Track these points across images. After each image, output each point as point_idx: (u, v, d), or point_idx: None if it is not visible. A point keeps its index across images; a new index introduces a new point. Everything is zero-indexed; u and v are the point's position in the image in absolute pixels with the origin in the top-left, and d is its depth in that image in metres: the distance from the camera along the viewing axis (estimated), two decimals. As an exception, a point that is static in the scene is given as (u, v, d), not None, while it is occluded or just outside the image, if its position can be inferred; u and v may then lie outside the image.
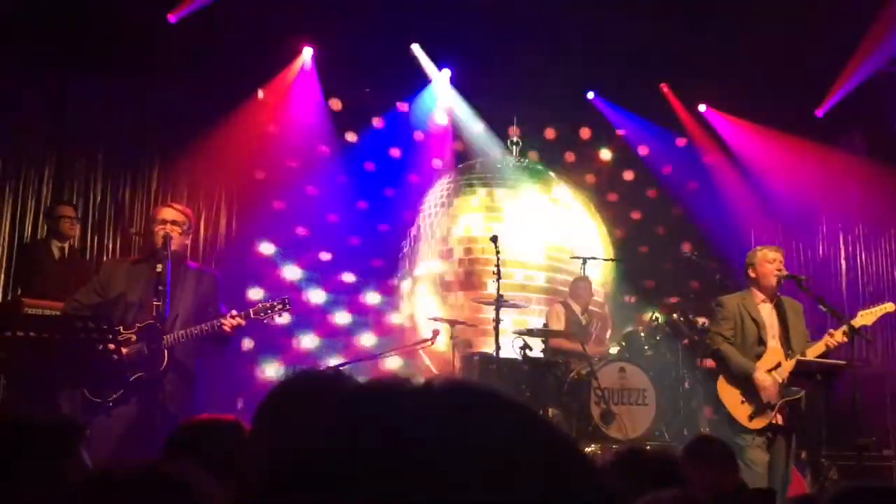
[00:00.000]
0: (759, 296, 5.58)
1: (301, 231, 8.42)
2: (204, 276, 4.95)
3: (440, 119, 8.97)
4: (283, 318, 7.32)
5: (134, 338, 4.59)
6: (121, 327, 4.59)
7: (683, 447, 3.72)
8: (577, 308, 7.65)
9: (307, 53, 8.34)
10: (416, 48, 8.55)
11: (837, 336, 5.25)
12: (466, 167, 9.32)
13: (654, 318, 7.78)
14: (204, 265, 5.23)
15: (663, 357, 7.64)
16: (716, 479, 3.33)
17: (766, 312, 5.56)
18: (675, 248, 9.10)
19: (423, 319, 8.65)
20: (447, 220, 9.10)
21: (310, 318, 8.14)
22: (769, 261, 5.57)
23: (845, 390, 5.52)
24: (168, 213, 4.87)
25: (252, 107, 8.07)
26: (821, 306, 5.44)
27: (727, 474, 3.44)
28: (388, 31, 8.14)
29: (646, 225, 9.60)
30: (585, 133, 9.57)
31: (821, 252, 9.35)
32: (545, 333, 7.25)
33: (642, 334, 7.64)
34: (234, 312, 4.67)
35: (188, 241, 5.05)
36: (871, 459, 6.66)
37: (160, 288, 4.50)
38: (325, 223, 8.48)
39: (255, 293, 8.00)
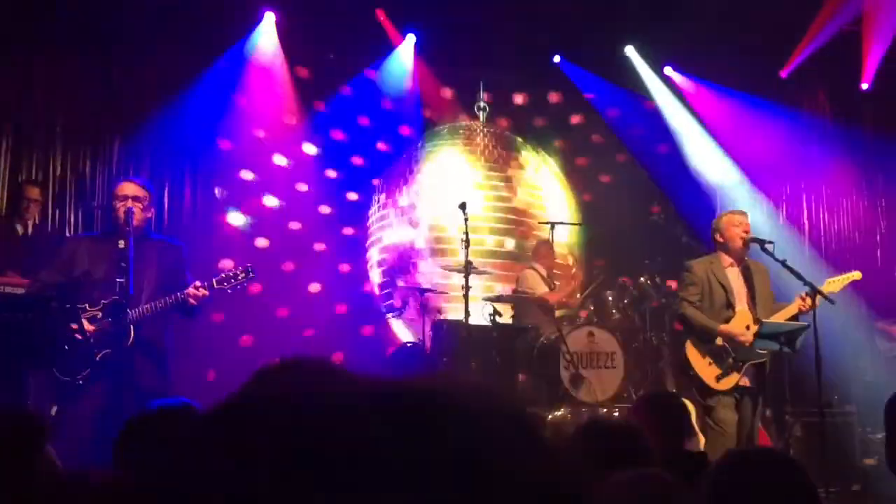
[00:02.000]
0: (727, 260, 5.65)
1: (270, 201, 8.34)
2: (169, 248, 4.95)
3: (407, 85, 8.86)
4: (252, 287, 7.43)
5: (99, 315, 4.57)
6: (86, 304, 4.58)
7: (640, 396, 3.77)
8: (542, 271, 7.68)
9: (269, 19, 8.18)
10: (380, 13, 8.43)
11: (809, 301, 5.35)
12: (433, 134, 9.26)
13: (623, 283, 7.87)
14: (169, 236, 5.17)
15: (631, 320, 7.74)
16: (662, 433, 3.26)
17: (734, 276, 5.63)
18: (643, 211, 9.16)
19: (391, 288, 8.68)
20: (415, 187, 9.07)
21: (282, 287, 8.10)
22: (735, 224, 5.65)
23: (808, 348, 5.62)
24: (129, 188, 4.84)
25: (215, 75, 7.91)
26: (785, 269, 5.52)
27: (674, 435, 3.43)
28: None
29: (614, 189, 9.63)
30: (553, 97, 9.55)
31: (785, 213, 9.47)
32: (513, 299, 7.29)
33: (610, 298, 7.71)
34: (197, 283, 4.69)
35: (151, 215, 5.03)
36: (834, 416, 6.84)
37: (123, 264, 4.46)
38: (295, 193, 8.40)
39: (227, 265, 7.93)
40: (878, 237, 9.37)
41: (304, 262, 8.37)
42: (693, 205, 8.98)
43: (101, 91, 7.65)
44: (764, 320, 5.48)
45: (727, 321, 5.53)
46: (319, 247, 8.54)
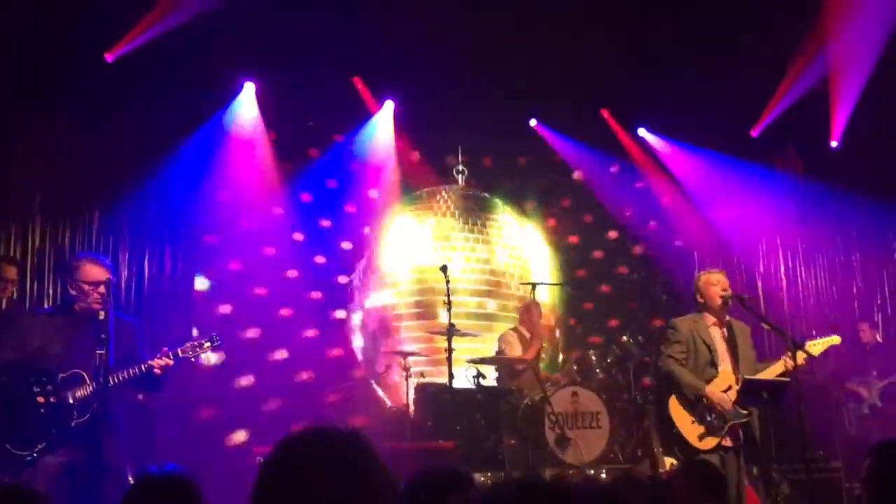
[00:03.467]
0: (710, 319, 5.72)
1: (235, 265, 8.31)
2: (125, 325, 4.84)
3: (381, 150, 8.95)
4: (217, 356, 7.40)
5: (51, 388, 4.50)
6: (43, 378, 4.48)
7: (678, 466, 3.83)
8: (526, 333, 7.69)
9: (249, 89, 8.30)
10: (357, 81, 8.57)
11: (798, 360, 5.35)
12: (413, 197, 9.34)
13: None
14: (124, 313, 5.09)
15: (615, 379, 7.74)
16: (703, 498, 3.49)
17: (717, 336, 5.69)
18: (613, 270, 9.27)
19: (373, 352, 8.65)
20: (396, 251, 9.09)
21: (245, 354, 8.05)
22: (713, 283, 5.71)
23: (792, 404, 5.63)
24: (100, 273, 4.75)
25: (194, 143, 7.97)
26: (763, 325, 5.58)
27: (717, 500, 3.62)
28: (330, 65, 8.17)
29: (583, 248, 9.76)
30: (527, 160, 9.72)
31: (761, 268, 9.58)
32: (499, 361, 7.28)
33: (593, 357, 7.72)
34: (164, 350, 4.68)
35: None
36: (820, 472, 6.82)
37: (103, 336, 4.41)
38: (261, 257, 8.39)
39: (195, 332, 7.91)
40: (855, 290, 9.49)
41: (271, 326, 8.32)
42: (671, 262, 9.07)
43: (79, 162, 7.67)
44: (747, 377, 5.50)
45: (710, 380, 5.55)
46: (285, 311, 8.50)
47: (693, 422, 5.51)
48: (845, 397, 8.24)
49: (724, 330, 5.71)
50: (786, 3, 7.58)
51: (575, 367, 7.79)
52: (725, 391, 5.51)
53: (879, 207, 8.88)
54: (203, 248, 8.11)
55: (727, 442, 5.49)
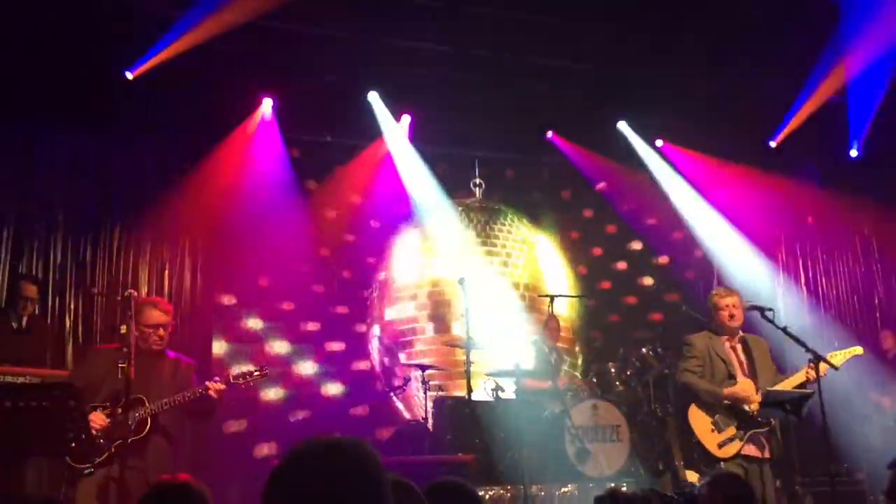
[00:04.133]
0: (724, 337, 5.79)
1: (263, 281, 8.38)
2: (181, 364, 5.30)
3: (401, 164, 9.00)
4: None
5: (119, 410, 4.87)
6: (106, 402, 4.91)
7: (706, 482, 3.83)
8: (546, 346, 7.64)
9: (267, 104, 8.38)
10: (373, 96, 8.63)
11: (813, 371, 5.37)
12: (432, 210, 9.36)
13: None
14: (181, 354, 5.46)
15: (635, 392, 7.70)
16: None
17: (733, 352, 5.77)
18: (636, 282, 9.24)
19: (393, 365, 8.66)
20: (415, 264, 9.12)
21: (275, 368, 8.11)
22: (721, 307, 5.81)
23: (815, 416, 5.60)
24: (159, 317, 5.19)
25: (214, 160, 8.05)
26: (785, 335, 5.53)
27: None
28: (348, 80, 8.24)
29: (606, 260, 9.75)
30: (545, 173, 9.73)
31: (781, 279, 9.53)
32: (516, 374, 7.26)
33: (613, 370, 7.68)
34: (216, 378, 5.08)
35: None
36: (844, 485, 6.75)
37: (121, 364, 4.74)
38: (289, 272, 8.45)
39: (219, 346, 8.00)
40: (877, 300, 9.42)
41: (299, 342, 8.42)
42: (693, 273, 9.05)
43: (101, 177, 7.76)
44: (768, 388, 5.49)
45: None
46: (313, 326, 8.56)
47: (712, 430, 5.57)
48: (869, 409, 8.14)
49: (740, 345, 5.78)
50: (803, 14, 7.57)
51: (595, 380, 7.75)
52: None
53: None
54: (225, 263, 8.17)
55: (749, 451, 5.50)
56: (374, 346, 8.94)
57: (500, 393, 7.25)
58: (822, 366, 5.33)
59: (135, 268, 7.72)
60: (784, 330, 5.56)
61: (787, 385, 5.55)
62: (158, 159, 7.88)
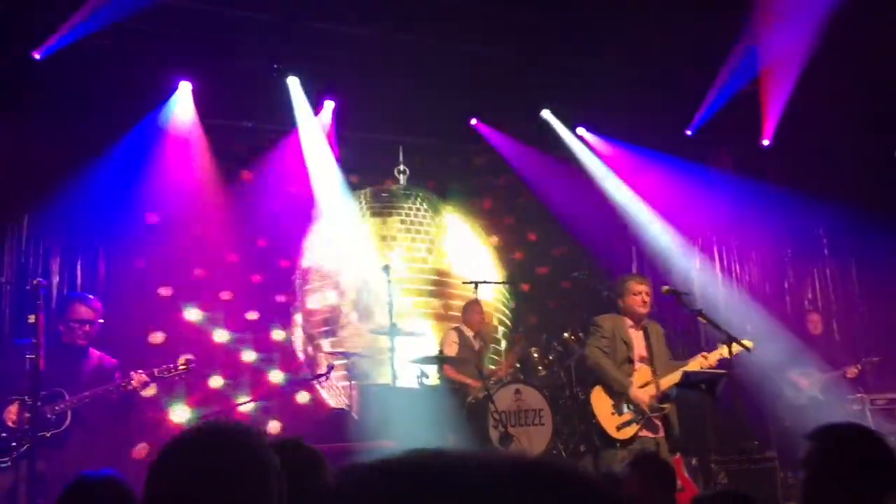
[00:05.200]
0: (629, 321, 6.08)
1: (199, 272, 8.17)
2: (104, 362, 5.37)
3: (325, 151, 8.88)
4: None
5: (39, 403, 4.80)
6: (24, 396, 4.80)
7: (629, 462, 4.05)
8: (469, 332, 7.70)
9: (185, 88, 8.15)
10: (293, 81, 8.49)
11: (711, 359, 5.69)
12: (355, 197, 9.29)
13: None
14: (104, 353, 5.48)
15: (557, 376, 7.81)
16: (658, 494, 3.75)
17: (636, 336, 6.09)
18: (571, 268, 9.36)
19: (318, 353, 8.58)
20: (339, 251, 9.02)
21: (214, 358, 7.98)
22: (635, 293, 6.05)
23: (729, 396, 5.80)
24: (86, 312, 5.30)
25: (128, 146, 7.78)
26: (700, 319, 5.70)
27: (669, 491, 3.88)
28: (269, 64, 8.10)
29: (542, 246, 9.84)
30: (471, 159, 9.74)
31: (697, 265, 9.79)
32: (440, 360, 7.29)
33: (536, 355, 7.77)
34: (140, 371, 5.13)
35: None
36: (756, 462, 6.98)
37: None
38: (224, 263, 8.28)
39: (157, 337, 7.82)
40: (787, 285, 9.77)
41: (238, 330, 8.26)
42: (612, 260, 9.21)
43: (8, 165, 7.43)
44: (686, 370, 5.67)
45: (629, 375, 5.93)
46: (252, 315, 8.42)
47: (612, 412, 5.84)
48: (784, 387, 8.43)
49: (642, 332, 6.07)
50: (718, 3, 7.75)
51: (518, 366, 7.81)
52: (643, 386, 5.85)
53: (809, 205, 9.16)
54: (156, 256, 7.94)
55: (644, 433, 5.79)
56: (298, 335, 8.84)
57: (424, 380, 7.24)
58: (725, 349, 5.54)
59: (45, 258, 7.44)
60: (699, 312, 5.73)
61: (689, 368, 5.78)
62: (70, 145, 7.58)
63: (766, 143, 9.25)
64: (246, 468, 1.45)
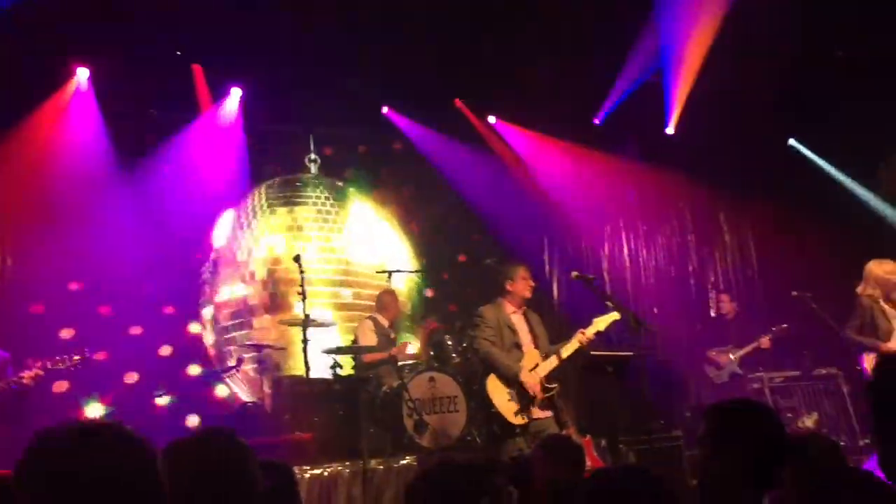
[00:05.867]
0: (510, 307, 6.26)
1: (108, 266, 7.93)
2: None
3: (231, 139, 8.70)
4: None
5: None
6: None
7: (538, 445, 4.12)
8: (384, 321, 7.68)
9: (82, 74, 7.85)
10: (196, 69, 8.29)
11: (589, 333, 5.88)
12: (265, 187, 9.14)
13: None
14: None
15: (470, 363, 7.85)
16: (565, 475, 3.80)
17: (518, 320, 6.28)
18: (487, 255, 9.42)
19: (228, 346, 8.43)
20: (248, 242, 8.88)
21: (129, 354, 7.84)
22: (525, 277, 6.28)
23: (636, 378, 5.97)
24: None
25: (25, 131, 7.47)
26: (608, 303, 5.83)
27: (579, 471, 3.97)
28: (173, 51, 7.88)
29: (460, 235, 9.91)
30: (383, 148, 9.70)
31: (606, 251, 10.03)
32: (354, 350, 7.24)
33: (450, 342, 7.80)
34: (30, 363, 5.08)
35: None
36: (662, 441, 7.21)
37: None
38: (133, 258, 8.04)
39: (67, 333, 7.61)
40: (691, 268, 10.10)
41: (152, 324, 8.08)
42: (524, 247, 9.33)
43: None
44: (593, 353, 5.83)
45: (518, 360, 6.08)
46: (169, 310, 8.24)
47: (509, 399, 6.00)
48: (705, 365, 8.73)
49: (523, 316, 6.28)
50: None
51: (432, 353, 7.85)
52: (533, 369, 6.02)
53: (710, 191, 9.48)
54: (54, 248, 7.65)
55: (539, 413, 5.99)
56: (207, 329, 8.66)
57: (338, 370, 7.17)
58: (591, 329, 5.78)
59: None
60: (607, 297, 5.88)
61: (565, 353, 5.97)
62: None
63: (670, 131, 9.52)
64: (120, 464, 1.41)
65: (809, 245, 9.02)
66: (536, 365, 6.07)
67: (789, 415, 8.00)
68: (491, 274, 8.46)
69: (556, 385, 6.06)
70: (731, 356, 8.56)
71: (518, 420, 5.96)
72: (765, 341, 8.48)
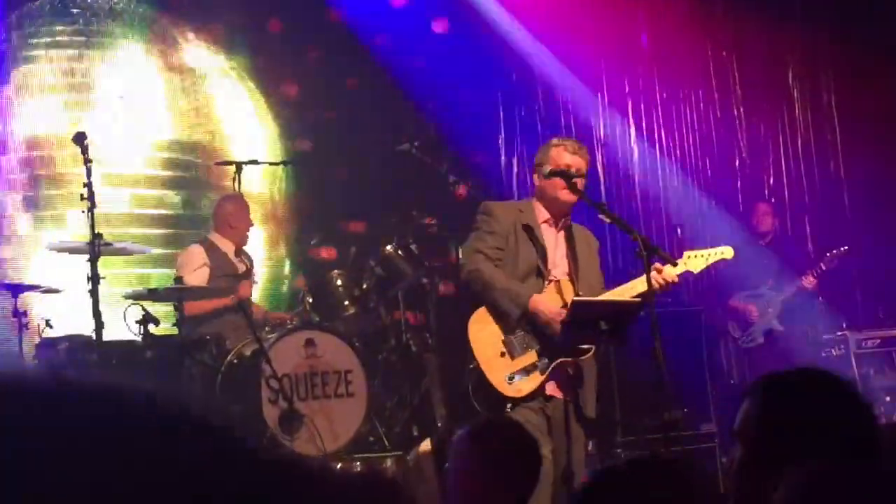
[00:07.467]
0: (544, 213, 5.87)
1: None
2: None
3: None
4: None
5: None
6: None
7: (463, 432, 3.90)
8: (227, 247, 7.76)
9: None
10: None
11: (668, 273, 5.52)
12: (28, 14, 8.95)
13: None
14: None
15: (374, 316, 7.76)
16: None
17: (551, 237, 5.86)
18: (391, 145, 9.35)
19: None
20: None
21: None
22: (564, 163, 5.72)
23: (643, 343, 5.85)
24: None
25: None
26: (631, 235, 5.61)
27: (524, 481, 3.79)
28: None
29: (350, 117, 9.89)
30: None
31: (601, 129, 10.19)
32: (176, 295, 7.13)
33: (339, 282, 7.70)
34: None
35: None
36: (684, 442, 7.18)
37: None
38: None
39: None
40: (737, 162, 10.15)
41: None
42: (464, 129, 9.25)
43: None
44: (576, 298, 5.60)
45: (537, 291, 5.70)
46: None
47: (502, 353, 5.63)
48: (728, 322, 8.74)
49: (563, 233, 5.90)
50: None
51: (310, 300, 7.78)
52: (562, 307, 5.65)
53: (774, 31, 9.55)
54: None
55: (554, 391, 5.64)
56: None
57: (150, 327, 7.02)
58: (671, 270, 5.51)
59: None
60: (626, 227, 5.75)
61: (620, 294, 5.69)
62: None
63: None
64: None
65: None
66: (564, 307, 5.59)
67: (888, 398, 8.17)
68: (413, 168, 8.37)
69: (588, 348, 5.64)
70: (767, 305, 8.61)
71: (514, 391, 5.58)
72: (809, 280, 8.56)
